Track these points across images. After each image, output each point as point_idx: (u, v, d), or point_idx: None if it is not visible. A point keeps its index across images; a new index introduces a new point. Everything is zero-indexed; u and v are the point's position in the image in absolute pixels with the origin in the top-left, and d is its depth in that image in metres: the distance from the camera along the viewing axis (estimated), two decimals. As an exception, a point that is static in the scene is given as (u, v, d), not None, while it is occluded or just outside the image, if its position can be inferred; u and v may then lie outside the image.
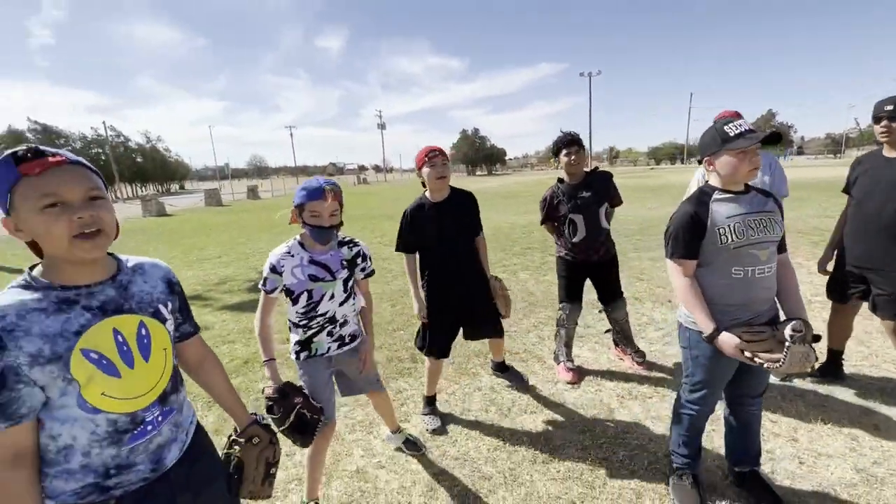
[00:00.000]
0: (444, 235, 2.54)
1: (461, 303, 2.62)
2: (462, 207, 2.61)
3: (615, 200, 3.10)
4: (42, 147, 0.88)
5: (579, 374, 3.23)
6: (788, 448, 2.32)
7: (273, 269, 1.80)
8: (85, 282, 0.97)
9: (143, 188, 64.36)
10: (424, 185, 2.58)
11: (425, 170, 2.47)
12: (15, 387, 0.85)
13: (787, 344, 1.52)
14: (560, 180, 3.12)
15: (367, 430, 2.70)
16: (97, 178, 0.96)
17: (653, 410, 2.73)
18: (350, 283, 1.95)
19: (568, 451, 2.40)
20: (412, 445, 2.45)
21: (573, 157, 2.96)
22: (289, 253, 1.82)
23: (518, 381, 3.17)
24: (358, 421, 2.80)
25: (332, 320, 1.91)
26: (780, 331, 1.61)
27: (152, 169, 61.91)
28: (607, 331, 3.51)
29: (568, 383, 3.14)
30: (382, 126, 75.99)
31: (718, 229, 1.70)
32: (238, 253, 9.11)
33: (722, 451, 2.16)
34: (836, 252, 2.85)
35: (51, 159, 0.88)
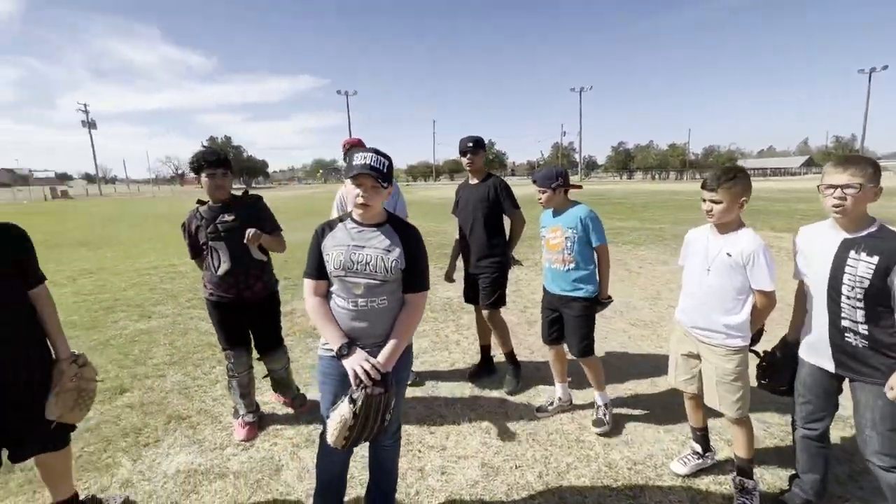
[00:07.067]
0: None
1: None
2: None
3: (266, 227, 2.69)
4: None
5: (258, 427, 2.81)
6: (437, 459, 2.46)
7: None
8: None
9: None
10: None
11: None
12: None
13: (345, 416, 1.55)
14: (199, 202, 2.66)
15: None
16: None
17: (325, 454, 2.53)
18: None
19: (200, 549, 1.91)
20: None
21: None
22: None
23: None
24: None
25: None
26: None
27: None
28: (265, 376, 2.99)
29: (242, 441, 2.67)
30: (91, 123, 58.85)
31: (326, 254, 1.68)
32: None
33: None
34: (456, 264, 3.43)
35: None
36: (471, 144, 3.11)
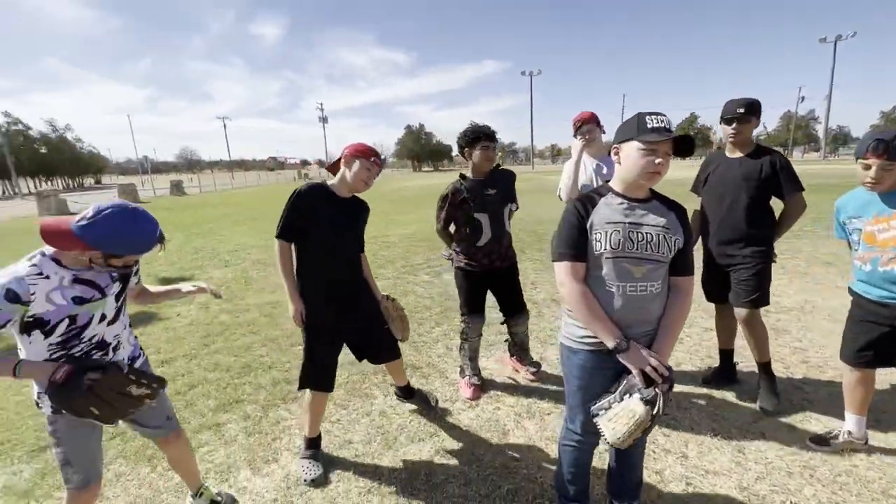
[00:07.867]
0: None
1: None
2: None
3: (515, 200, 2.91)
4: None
5: (482, 389, 3.00)
6: (678, 467, 2.19)
7: (14, 298, 1.32)
8: None
9: (49, 182, 57.46)
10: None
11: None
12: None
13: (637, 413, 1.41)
14: (462, 176, 2.86)
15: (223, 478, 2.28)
16: None
17: (548, 429, 2.53)
18: (122, 298, 1.64)
19: (448, 487, 2.12)
20: None
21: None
22: (40, 273, 1.38)
23: (425, 405, 2.76)
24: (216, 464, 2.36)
25: (102, 345, 1.55)
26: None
27: (60, 161, 55.38)
28: (506, 340, 3.26)
29: (468, 399, 2.90)
30: (324, 119, 73.25)
31: (595, 233, 1.52)
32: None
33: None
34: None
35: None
36: (742, 110, 2.47)
